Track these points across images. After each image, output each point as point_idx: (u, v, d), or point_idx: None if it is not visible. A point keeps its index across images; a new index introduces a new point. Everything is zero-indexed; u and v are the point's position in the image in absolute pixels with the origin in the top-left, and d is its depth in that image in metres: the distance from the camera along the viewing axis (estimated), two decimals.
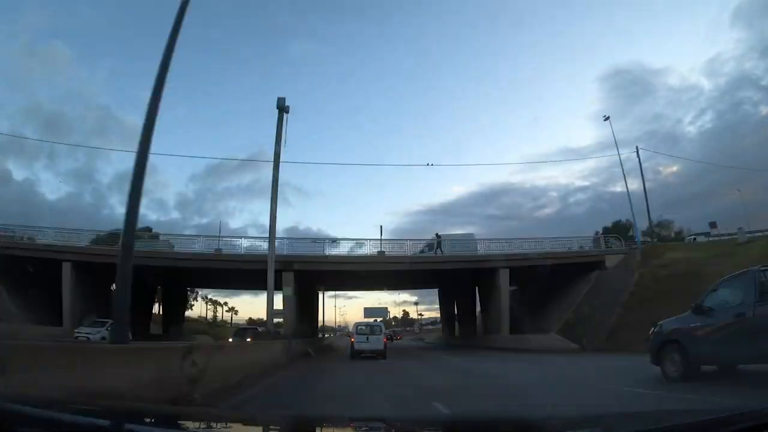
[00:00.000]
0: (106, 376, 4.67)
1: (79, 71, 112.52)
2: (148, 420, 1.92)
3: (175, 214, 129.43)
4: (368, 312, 48.35)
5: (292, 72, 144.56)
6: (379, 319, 37.75)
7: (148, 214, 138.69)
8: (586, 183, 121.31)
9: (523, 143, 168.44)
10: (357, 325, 21.55)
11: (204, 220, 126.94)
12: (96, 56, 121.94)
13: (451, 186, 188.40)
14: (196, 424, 1.94)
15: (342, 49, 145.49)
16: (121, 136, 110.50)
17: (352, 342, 19.80)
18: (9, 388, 3.22)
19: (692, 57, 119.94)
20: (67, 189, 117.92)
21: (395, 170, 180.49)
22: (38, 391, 3.47)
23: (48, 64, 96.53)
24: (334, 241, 31.32)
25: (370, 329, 20.25)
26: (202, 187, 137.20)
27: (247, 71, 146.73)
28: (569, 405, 6.67)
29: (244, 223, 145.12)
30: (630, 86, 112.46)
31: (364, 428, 2.33)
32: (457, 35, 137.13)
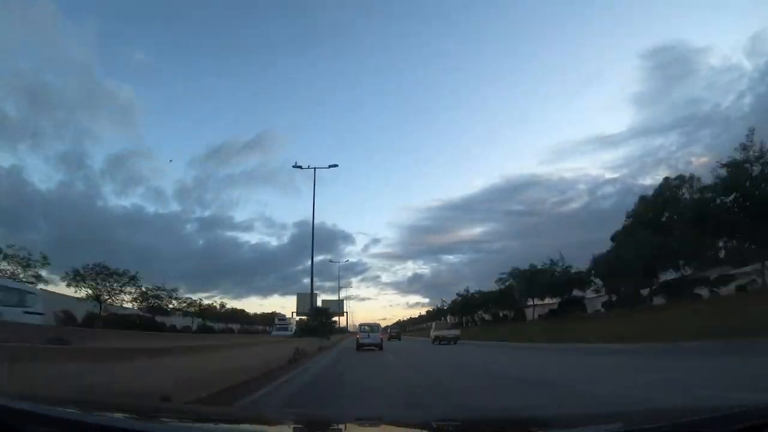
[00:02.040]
0: None
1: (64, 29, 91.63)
2: (156, 418, 1.93)
3: (174, 206, 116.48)
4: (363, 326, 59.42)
5: (305, 52, 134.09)
6: (379, 322, 48.98)
7: (145, 206, 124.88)
8: (616, 175, 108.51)
9: (552, 132, 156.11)
10: (361, 325, 29.24)
11: (206, 213, 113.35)
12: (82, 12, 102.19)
13: (472, 179, 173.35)
14: (204, 423, 1.95)
15: (359, 31, 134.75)
16: (111, 108, 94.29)
17: (358, 338, 26.86)
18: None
19: (735, 34, 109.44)
20: (59, 177, 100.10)
21: (410, 162, 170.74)
22: None
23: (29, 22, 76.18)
24: None
25: (370, 328, 27.51)
26: (202, 173, 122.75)
27: (253, 54, 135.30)
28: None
29: (250, 215, 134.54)
30: (670, 66, 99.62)
31: (371, 428, 2.35)
32: (482, 18, 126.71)
